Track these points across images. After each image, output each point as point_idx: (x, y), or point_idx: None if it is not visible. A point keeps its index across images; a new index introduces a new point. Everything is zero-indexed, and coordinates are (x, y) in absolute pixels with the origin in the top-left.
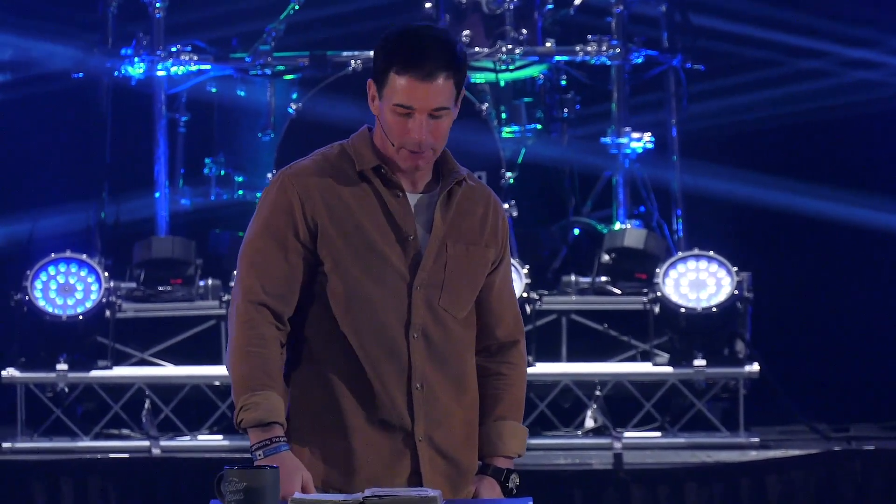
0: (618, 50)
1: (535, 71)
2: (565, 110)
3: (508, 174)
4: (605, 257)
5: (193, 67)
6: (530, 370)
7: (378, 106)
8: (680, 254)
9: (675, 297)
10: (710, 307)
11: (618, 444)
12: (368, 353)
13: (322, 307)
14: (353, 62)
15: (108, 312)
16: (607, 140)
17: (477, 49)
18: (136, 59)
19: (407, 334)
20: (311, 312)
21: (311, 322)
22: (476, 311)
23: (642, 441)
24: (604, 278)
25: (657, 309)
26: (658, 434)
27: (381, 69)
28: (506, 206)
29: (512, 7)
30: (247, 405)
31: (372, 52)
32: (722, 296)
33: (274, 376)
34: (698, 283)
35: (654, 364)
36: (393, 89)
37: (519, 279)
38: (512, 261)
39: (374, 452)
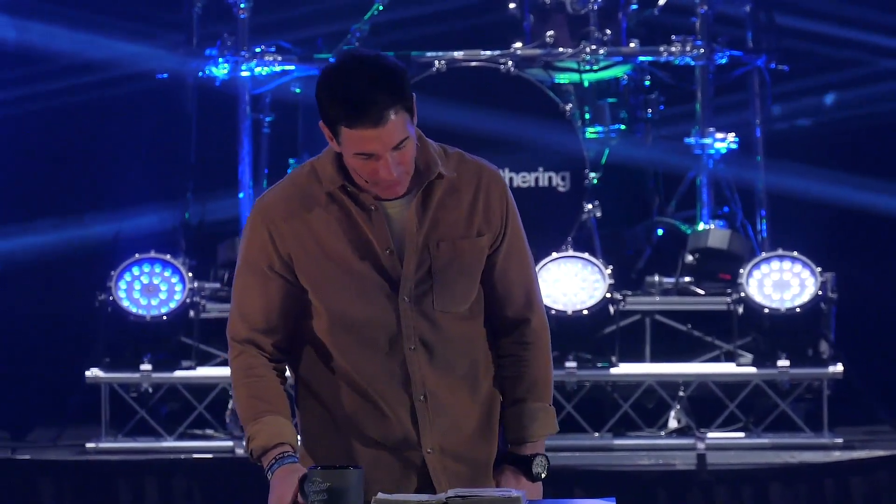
0: (702, 50)
1: (619, 71)
2: (649, 111)
3: (592, 175)
4: (689, 258)
5: (278, 68)
6: (613, 370)
7: (336, 147)
8: (764, 254)
9: (758, 298)
10: (794, 307)
11: (701, 445)
12: (364, 374)
13: (315, 334)
14: (437, 63)
15: (192, 313)
16: (691, 140)
17: (561, 49)
18: (220, 60)
19: (402, 348)
20: (308, 341)
21: (309, 351)
22: (483, 293)
23: (726, 442)
24: (687, 279)
25: (741, 309)
26: (742, 435)
27: (329, 120)
28: (589, 206)
29: (596, 7)
30: (251, 435)
31: (456, 53)
32: (806, 296)
33: (272, 400)
34: (782, 283)
35: (738, 364)
36: (348, 140)
37: (602, 279)
38: (595, 261)
39: (383, 471)
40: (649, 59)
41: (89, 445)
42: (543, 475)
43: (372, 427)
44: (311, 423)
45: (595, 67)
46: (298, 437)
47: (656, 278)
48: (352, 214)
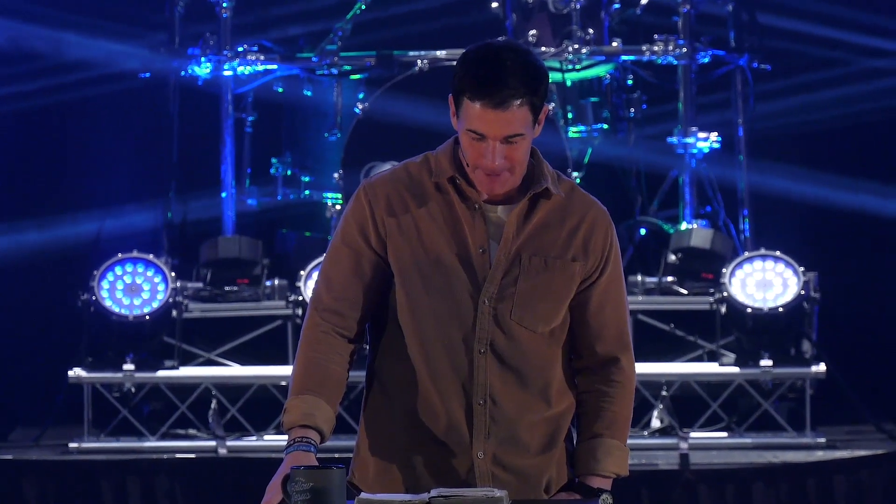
0: (684, 49)
1: (601, 70)
2: (632, 110)
3: (575, 174)
4: (672, 257)
5: (260, 67)
6: None
7: (456, 124)
8: (746, 253)
9: (741, 297)
10: (777, 307)
11: (684, 445)
12: (431, 366)
13: (393, 320)
14: (419, 62)
15: (174, 312)
16: (674, 140)
17: (543, 49)
18: (202, 59)
19: (472, 348)
20: (385, 326)
21: (384, 336)
22: (574, 326)
23: (709, 441)
24: (670, 278)
25: (724, 309)
26: (724, 434)
27: (457, 91)
28: None
29: (579, 6)
30: (287, 408)
31: (438, 52)
32: (788, 296)
33: (322, 382)
34: (765, 282)
35: (721, 364)
36: (467, 114)
37: None
38: None
39: (431, 468)
40: (632, 58)
41: (72, 445)
42: None
43: (426, 421)
44: (373, 407)
45: (577, 67)
46: (320, 427)
47: (639, 278)
48: (454, 208)
